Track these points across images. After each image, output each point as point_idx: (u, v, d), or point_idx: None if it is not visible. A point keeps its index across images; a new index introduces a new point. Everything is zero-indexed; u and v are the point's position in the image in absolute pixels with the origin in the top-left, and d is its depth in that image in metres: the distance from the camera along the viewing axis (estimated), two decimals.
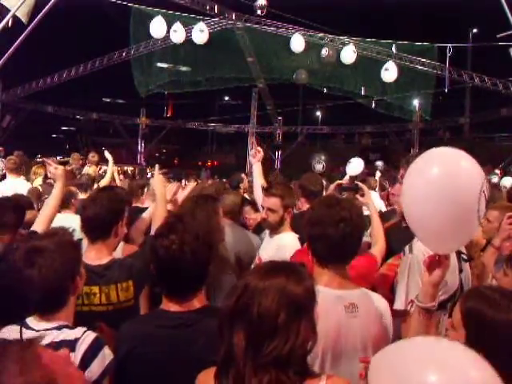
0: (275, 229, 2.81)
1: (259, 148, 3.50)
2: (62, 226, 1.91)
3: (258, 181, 3.40)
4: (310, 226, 1.90)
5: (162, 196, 2.68)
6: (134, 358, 1.64)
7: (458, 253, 2.23)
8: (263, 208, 2.84)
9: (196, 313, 1.68)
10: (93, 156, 7.87)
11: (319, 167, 8.49)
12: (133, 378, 1.64)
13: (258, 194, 3.34)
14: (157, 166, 2.91)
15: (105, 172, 7.08)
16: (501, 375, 1.10)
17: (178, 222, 1.74)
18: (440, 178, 1.47)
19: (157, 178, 2.75)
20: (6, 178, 5.73)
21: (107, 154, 6.87)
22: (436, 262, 1.55)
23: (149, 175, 13.26)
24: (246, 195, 6.31)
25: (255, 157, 3.46)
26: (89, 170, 7.13)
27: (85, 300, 2.14)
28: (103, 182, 5.79)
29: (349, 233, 1.76)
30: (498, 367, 1.22)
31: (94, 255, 2.23)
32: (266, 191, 2.87)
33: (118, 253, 2.55)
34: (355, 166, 5.88)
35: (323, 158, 10.04)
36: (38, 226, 2.48)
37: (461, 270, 2.23)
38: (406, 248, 2.21)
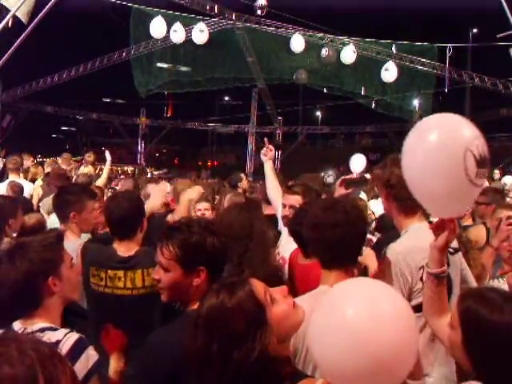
0: None
1: (271, 146, 3.44)
2: (53, 228, 1.93)
3: (271, 179, 3.38)
4: (307, 230, 1.91)
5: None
6: (180, 374, 1.49)
7: None
8: (284, 206, 2.91)
9: None
10: (89, 156, 7.71)
11: (330, 180, 8.63)
12: None
13: (272, 193, 3.38)
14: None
15: (101, 171, 7.09)
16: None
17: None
18: (431, 142, 1.49)
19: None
20: (6, 177, 5.73)
21: (107, 155, 6.86)
22: (441, 226, 1.57)
23: (148, 175, 13.27)
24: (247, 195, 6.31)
25: (266, 155, 3.42)
26: (84, 170, 7.00)
27: (108, 282, 2.27)
28: (99, 182, 5.77)
29: (346, 235, 1.76)
30: (493, 368, 1.24)
31: (123, 249, 2.37)
32: (289, 189, 2.97)
33: None
34: (357, 161, 5.88)
35: (331, 172, 10.34)
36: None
37: (448, 264, 2.17)
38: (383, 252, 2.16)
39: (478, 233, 3.59)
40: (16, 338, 0.94)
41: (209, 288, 1.38)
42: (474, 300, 1.37)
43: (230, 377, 1.18)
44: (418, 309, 2.00)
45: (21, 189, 4.96)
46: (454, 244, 2.20)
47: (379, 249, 2.38)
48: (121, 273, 2.27)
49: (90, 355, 1.56)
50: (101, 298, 2.32)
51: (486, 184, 7.55)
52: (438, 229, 1.59)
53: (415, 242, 2.03)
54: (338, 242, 1.77)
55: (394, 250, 2.06)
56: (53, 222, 3.43)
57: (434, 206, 1.60)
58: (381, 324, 1.15)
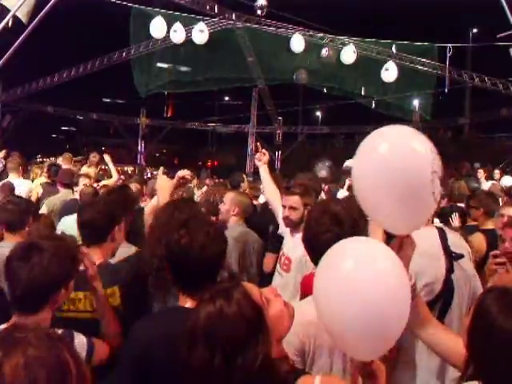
0: (297, 226, 2.89)
1: (264, 151, 3.46)
2: (68, 235, 1.90)
3: (267, 183, 3.41)
4: (304, 235, 1.92)
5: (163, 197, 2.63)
6: (150, 358, 1.57)
7: (448, 252, 2.14)
8: (284, 207, 2.94)
9: None
10: (94, 156, 7.63)
11: (323, 173, 8.58)
12: (149, 378, 1.58)
13: (269, 196, 3.46)
14: (161, 168, 2.91)
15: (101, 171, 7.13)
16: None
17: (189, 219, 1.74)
18: (389, 160, 1.40)
19: (160, 180, 2.70)
20: (6, 177, 5.74)
21: (106, 158, 6.91)
22: (399, 247, 1.54)
23: (149, 175, 13.27)
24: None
25: (261, 160, 3.43)
26: (88, 170, 6.90)
27: (70, 306, 2.06)
28: (109, 182, 5.83)
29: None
30: (497, 371, 1.24)
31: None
32: (287, 190, 3.00)
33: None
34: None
35: (321, 165, 10.10)
36: None
37: (452, 270, 2.13)
38: None
39: (478, 242, 3.59)
40: (28, 327, 1.02)
41: None
42: (491, 301, 1.34)
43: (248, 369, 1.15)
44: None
45: (11, 189, 4.93)
46: (458, 249, 2.20)
47: None
48: (81, 294, 2.06)
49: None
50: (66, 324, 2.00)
51: (486, 185, 7.55)
52: (397, 249, 1.55)
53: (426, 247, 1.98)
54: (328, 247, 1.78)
55: None
56: (67, 225, 3.44)
57: (391, 226, 1.54)
58: (377, 275, 1.26)
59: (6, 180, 5.40)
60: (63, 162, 6.91)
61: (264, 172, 3.43)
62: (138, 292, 2.11)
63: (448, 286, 2.11)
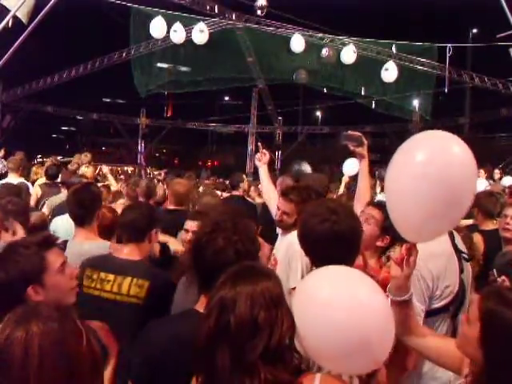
0: (288, 229, 2.88)
1: (265, 151, 3.46)
2: (45, 232, 1.91)
3: (266, 184, 3.42)
4: (300, 231, 1.93)
5: None
6: (165, 360, 1.59)
7: (459, 252, 2.18)
8: (278, 209, 2.93)
9: None
10: (85, 155, 7.47)
11: (306, 168, 8.63)
12: (157, 379, 1.60)
13: (266, 197, 3.47)
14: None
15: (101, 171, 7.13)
16: None
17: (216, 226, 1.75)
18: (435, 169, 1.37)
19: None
20: (6, 177, 5.74)
21: (105, 169, 6.95)
22: (407, 257, 1.55)
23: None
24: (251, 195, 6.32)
25: (261, 160, 3.43)
26: (86, 170, 6.83)
27: (97, 284, 2.25)
28: (113, 188, 5.84)
29: (339, 243, 1.78)
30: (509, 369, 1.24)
31: (124, 252, 2.37)
32: (285, 196, 2.92)
33: None
34: (351, 165, 5.87)
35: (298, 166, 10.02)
36: None
37: (462, 270, 2.17)
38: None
39: (476, 243, 3.59)
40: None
41: None
42: (498, 301, 1.36)
43: (274, 348, 1.22)
44: (436, 312, 2.01)
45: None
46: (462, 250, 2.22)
47: None
48: (111, 276, 2.26)
49: None
50: (89, 299, 2.28)
51: (485, 183, 7.54)
52: (403, 260, 1.57)
53: (432, 248, 1.98)
54: (325, 238, 1.79)
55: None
56: (58, 225, 3.44)
57: (413, 234, 1.54)
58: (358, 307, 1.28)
59: (4, 180, 5.40)
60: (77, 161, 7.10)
61: (263, 172, 3.43)
62: (164, 292, 2.26)
63: (461, 287, 2.14)
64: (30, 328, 1.06)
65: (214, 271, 1.58)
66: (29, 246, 1.74)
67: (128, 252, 2.37)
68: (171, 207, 4.22)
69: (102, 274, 2.24)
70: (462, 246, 2.23)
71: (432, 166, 1.36)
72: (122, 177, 9.30)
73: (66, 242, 2.68)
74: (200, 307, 1.66)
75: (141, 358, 1.64)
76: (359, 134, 2.84)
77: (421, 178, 1.37)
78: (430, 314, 2.03)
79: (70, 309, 1.20)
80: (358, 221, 1.97)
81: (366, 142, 2.83)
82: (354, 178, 7.13)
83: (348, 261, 1.76)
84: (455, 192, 1.36)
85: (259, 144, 3.69)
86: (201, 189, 7.53)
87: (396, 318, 1.63)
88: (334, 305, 1.29)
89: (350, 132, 2.82)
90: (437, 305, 2.00)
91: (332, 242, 1.79)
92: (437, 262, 1.98)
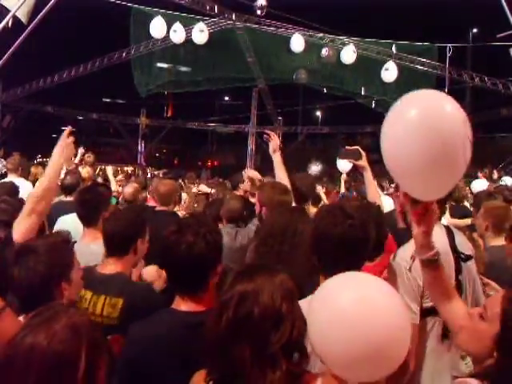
0: None
1: (270, 132, 3.39)
2: (60, 230, 1.92)
3: (281, 175, 3.31)
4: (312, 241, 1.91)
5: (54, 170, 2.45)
6: (144, 359, 1.60)
7: (456, 252, 2.12)
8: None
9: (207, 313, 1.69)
10: (88, 156, 7.55)
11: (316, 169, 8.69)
12: (143, 379, 1.62)
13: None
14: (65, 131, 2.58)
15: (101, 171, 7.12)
16: None
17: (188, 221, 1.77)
18: (422, 122, 1.38)
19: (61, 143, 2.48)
20: (6, 177, 5.73)
21: (109, 170, 6.95)
22: (422, 213, 1.54)
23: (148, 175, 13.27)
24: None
25: (271, 143, 3.35)
26: (82, 171, 6.77)
27: (77, 303, 2.08)
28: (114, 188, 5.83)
29: (350, 248, 1.76)
30: None
31: (107, 266, 2.24)
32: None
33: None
34: (344, 162, 5.87)
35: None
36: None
37: (460, 271, 2.10)
38: (391, 256, 2.14)
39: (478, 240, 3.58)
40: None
41: None
42: None
43: (295, 340, 1.24)
44: (427, 312, 2.00)
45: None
46: (465, 250, 2.18)
47: None
48: (89, 294, 2.11)
49: None
50: None
51: (485, 184, 7.53)
52: (419, 216, 1.56)
53: None
54: (337, 242, 1.76)
55: (401, 254, 2.06)
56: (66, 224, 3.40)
57: (417, 189, 1.53)
58: (373, 310, 1.25)
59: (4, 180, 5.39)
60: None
61: (277, 161, 3.33)
62: (142, 309, 2.01)
63: (459, 288, 2.07)
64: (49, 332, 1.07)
65: (188, 266, 1.64)
66: (57, 242, 1.79)
67: (110, 267, 2.23)
68: (159, 208, 4.14)
69: (82, 292, 2.07)
70: (463, 247, 2.16)
71: (426, 118, 1.37)
72: (120, 177, 9.28)
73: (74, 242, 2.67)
74: (177, 306, 1.69)
75: (122, 359, 1.65)
76: (356, 147, 2.95)
77: (415, 130, 1.38)
78: (423, 313, 2.01)
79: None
80: (372, 227, 1.92)
81: (363, 153, 2.94)
82: (351, 177, 7.15)
83: (356, 266, 1.73)
84: (448, 138, 1.36)
85: (266, 131, 3.56)
86: (201, 186, 7.47)
87: (428, 281, 1.66)
88: (353, 313, 1.26)
89: (347, 147, 2.97)
90: (427, 304, 1.98)
91: (343, 247, 1.76)
92: None
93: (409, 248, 1.99)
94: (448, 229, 2.22)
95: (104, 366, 1.14)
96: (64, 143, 2.47)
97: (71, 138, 2.48)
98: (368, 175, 2.96)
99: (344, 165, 5.91)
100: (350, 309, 1.26)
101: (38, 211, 2.32)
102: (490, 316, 1.39)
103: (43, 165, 7.59)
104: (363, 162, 2.96)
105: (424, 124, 1.36)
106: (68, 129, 2.53)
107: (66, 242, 1.84)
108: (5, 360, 1.04)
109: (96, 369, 1.10)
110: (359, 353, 1.23)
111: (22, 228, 2.27)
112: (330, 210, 1.91)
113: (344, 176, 6.39)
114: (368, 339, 1.23)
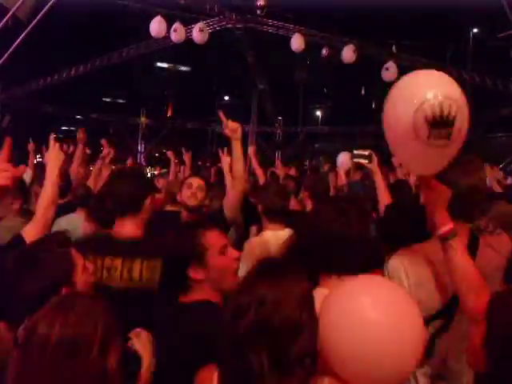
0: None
1: (231, 122, 2.98)
2: (58, 231, 1.89)
3: (237, 161, 3.04)
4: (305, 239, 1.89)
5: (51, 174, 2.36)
6: None
7: None
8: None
9: None
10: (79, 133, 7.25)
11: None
12: None
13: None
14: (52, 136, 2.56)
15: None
16: None
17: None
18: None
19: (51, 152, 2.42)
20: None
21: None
22: (425, 184, 1.57)
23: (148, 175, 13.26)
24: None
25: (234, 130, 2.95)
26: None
27: (104, 273, 2.02)
28: None
29: (342, 248, 1.69)
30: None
31: (123, 230, 2.17)
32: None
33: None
34: (343, 159, 5.85)
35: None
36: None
37: None
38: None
39: None
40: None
41: None
42: (504, 303, 1.34)
43: (313, 349, 1.23)
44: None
45: None
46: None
47: None
48: (118, 261, 2.01)
49: None
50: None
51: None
52: (426, 185, 1.58)
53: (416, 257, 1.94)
54: (328, 240, 1.69)
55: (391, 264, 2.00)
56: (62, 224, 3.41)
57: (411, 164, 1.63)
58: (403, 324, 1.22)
59: None
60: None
61: (236, 147, 3.00)
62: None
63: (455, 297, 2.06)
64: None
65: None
66: (56, 246, 1.77)
67: (126, 229, 2.17)
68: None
69: (108, 261, 2.00)
70: None
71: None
72: None
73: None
74: None
75: None
76: (369, 151, 3.01)
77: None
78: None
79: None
80: (368, 226, 1.86)
81: (375, 158, 2.98)
82: (348, 172, 7.16)
83: (353, 269, 1.59)
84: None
85: (219, 112, 3.12)
86: None
87: (449, 267, 1.62)
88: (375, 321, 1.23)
89: (359, 150, 3.03)
90: None
91: (334, 246, 1.67)
92: (418, 269, 1.84)
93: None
94: None
95: (117, 353, 1.18)
96: (54, 150, 2.42)
97: (57, 144, 2.44)
98: (378, 179, 3.00)
99: (343, 162, 5.88)
100: (382, 326, 1.21)
101: (48, 218, 2.28)
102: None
103: (43, 165, 7.58)
104: (373, 167, 3.02)
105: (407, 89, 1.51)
106: (52, 135, 2.54)
107: (66, 242, 1.81)
108: (21, 347, 1.11)
109: (109, 355, 1.15)
110: (383, 371, 1.19)
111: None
112: (324, 207, 1.90)
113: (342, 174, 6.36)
114: (398, 359, 1.19)
